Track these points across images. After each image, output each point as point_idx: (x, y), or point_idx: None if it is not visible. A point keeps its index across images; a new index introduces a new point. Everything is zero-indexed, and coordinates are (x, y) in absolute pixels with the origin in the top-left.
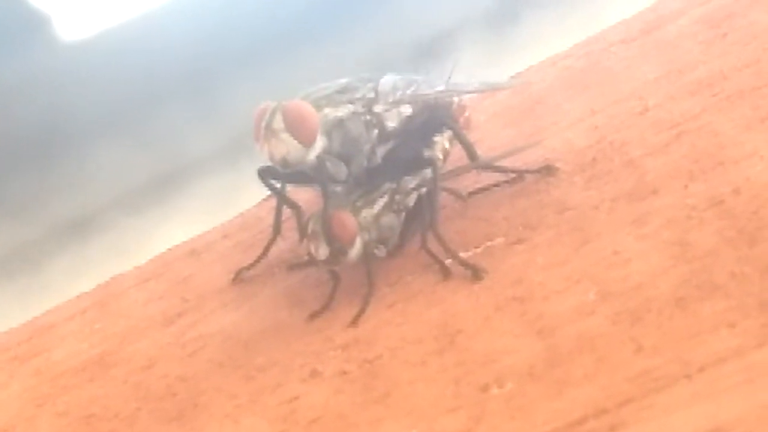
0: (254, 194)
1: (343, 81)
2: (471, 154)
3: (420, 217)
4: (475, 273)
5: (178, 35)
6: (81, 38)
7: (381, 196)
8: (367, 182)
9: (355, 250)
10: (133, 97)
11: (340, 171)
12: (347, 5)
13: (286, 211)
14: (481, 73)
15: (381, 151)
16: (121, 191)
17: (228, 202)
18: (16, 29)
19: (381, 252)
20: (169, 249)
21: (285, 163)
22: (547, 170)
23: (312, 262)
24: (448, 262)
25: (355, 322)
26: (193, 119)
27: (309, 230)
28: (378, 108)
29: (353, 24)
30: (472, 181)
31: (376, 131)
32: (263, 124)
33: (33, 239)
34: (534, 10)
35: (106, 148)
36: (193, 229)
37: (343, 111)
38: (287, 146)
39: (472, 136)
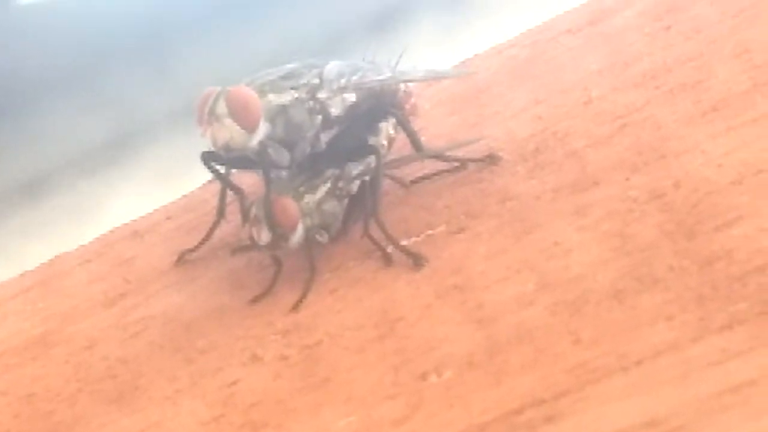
0: None
1: (289, 66)
2: (415, 143)
3: (363, 203)
4: (416, 261)
5: None
6: None
7: (324, 182)
8: (310, 168)
9: (297, 236)
10: (87, 58)
11: (283, 157)
12: None
13: (231, 195)
14: (431, 51)
15: (325, 138)
16: (75, 153)
17: (181, 166)
18: None
19: (323, 238)
20: (113, 230)
21: (228, 148)
22: (490, 159)
23: (254, 246)
24: (389, 249)
25: (296, 307)
26: (148, 81)
27: (251, 215)
28: (322, 95)
29: None
30: (415, 168)
31: (320, 118)
32: (207, 109)
33: None
34: None
35: (59, 109)
36: (146, 192)
37: (286, 97)
38: (230, 131)
39: (416, 124)
